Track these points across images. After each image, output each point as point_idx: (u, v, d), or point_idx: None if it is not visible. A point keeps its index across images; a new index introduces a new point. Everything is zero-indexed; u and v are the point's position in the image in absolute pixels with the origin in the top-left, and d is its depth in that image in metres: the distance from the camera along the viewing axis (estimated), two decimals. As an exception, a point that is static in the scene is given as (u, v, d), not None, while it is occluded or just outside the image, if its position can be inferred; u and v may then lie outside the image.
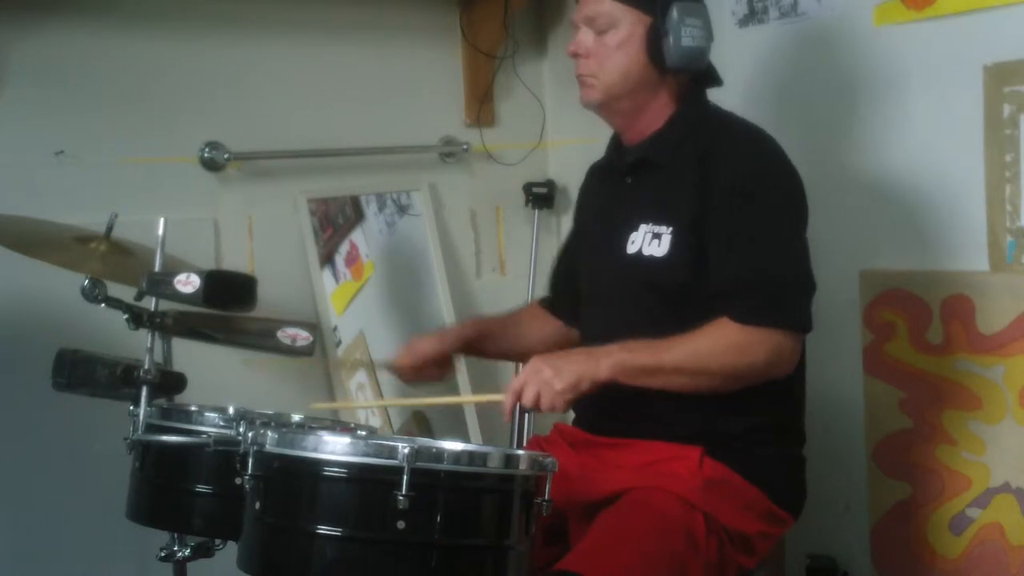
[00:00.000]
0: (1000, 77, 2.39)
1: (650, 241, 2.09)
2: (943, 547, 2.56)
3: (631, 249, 2.12)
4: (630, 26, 2.11)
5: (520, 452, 1.84)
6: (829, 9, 2.68)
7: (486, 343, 2.42)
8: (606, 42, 2.12)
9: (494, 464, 1.68)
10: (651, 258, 2.08)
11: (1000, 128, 2.40)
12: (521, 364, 2.08)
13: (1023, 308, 2.40)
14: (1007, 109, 2.39)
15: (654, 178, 2.15)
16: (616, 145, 2.28)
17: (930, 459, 2.57)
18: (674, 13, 2.08)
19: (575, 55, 2.16)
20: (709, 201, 2.04)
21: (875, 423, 2.67)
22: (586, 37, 2.14)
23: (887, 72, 2.59)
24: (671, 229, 2.07)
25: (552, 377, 1.93)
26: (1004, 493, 2.46)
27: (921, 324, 2.56)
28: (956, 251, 2.50)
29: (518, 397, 1.94)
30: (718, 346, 1.98)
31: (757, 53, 2.74)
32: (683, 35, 2.08)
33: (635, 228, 2.12)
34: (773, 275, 2.02)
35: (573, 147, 3.23)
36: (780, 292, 2.02)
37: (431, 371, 2.36)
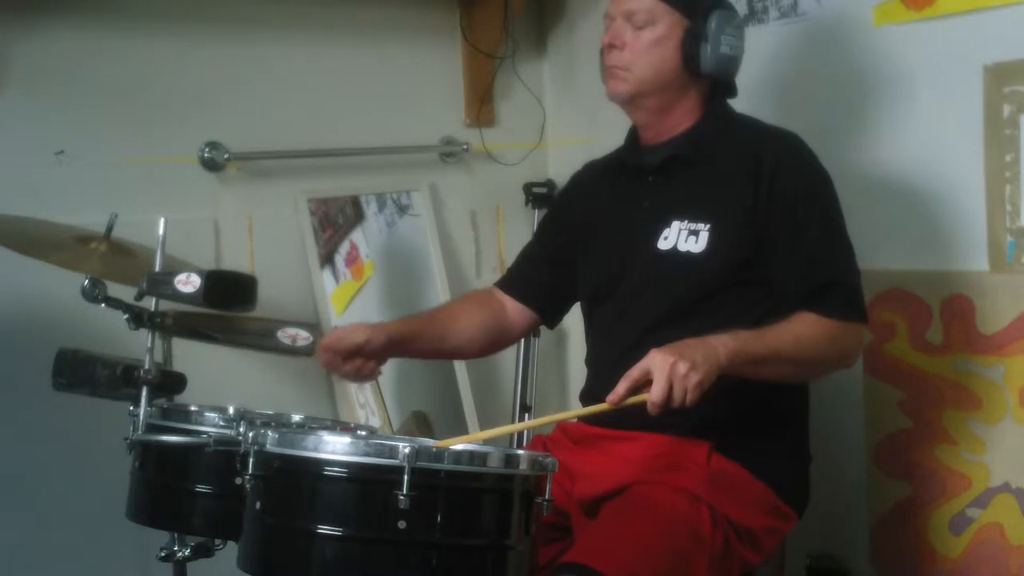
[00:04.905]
0: (1000, 77, 2.39)
1: (686, 237, 2.11)
2: (943, 547, 2.56)
3: (664, 245, 2.12)
4: (668, 26, 2.13)
5: (520, 452, 1.84)
6: (829, 9, 2.69)
7: (413, 343, 2.26)
8: (642, 38, 2.13)
9: (494, 464, 1.68)
10: (688, 254, 2.09)
11: (1000, 128, 2.40)
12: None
13: (1023, 308, 2.40)
14: (1007, 109, 2.39)
15: (687, 175, 2.16)
16: (633, 144, 2.28)
17: (930, 459, 2.57)
18: (714, 20, 2.13)
19: (610, 46, 2.16)
20: (771, 206, 2.07)
21: (875, 423, 2.67)
22: (623, 30, 2.15)
23: (887, 72, 2.59)
24: (709, 226, 2.09)
25: (688, 371, 1.82)
26: (1004, 493, 2.46)
27: (921, 324, 2.56)
28: (956, 251, 2.50)
29: (667, 400, 1.81)
30: (817, 336, 2.02)
31: (757, 53, 2.73)
32: (721, 43, 2.13)
33: (667, 224, 2.13)
34: (850, 274, 2.10)
35: (573, 147, 3.23)
36: (856, 290, 2.10)
37: (355, 363, 2.15)
